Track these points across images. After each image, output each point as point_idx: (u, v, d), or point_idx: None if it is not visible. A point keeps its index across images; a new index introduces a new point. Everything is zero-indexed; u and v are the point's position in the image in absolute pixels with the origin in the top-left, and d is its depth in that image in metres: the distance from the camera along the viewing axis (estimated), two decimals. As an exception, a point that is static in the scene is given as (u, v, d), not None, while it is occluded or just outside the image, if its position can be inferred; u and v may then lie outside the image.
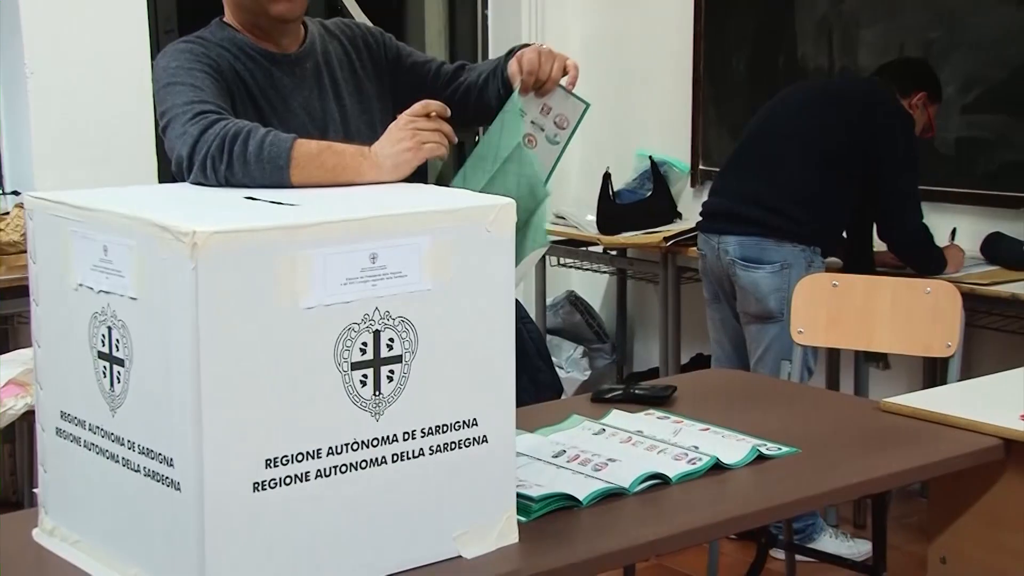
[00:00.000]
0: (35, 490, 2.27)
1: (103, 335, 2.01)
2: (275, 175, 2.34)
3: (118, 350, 1.98)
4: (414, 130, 2.22)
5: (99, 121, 4.75)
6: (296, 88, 2.80)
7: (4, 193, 4.66)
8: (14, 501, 4.74)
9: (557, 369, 4.17)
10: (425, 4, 6.00)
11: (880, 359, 4.80)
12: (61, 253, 2.09)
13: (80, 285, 2.04)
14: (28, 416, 3.83)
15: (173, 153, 2.51)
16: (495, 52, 5.82)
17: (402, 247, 1.99)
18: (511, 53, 2.75)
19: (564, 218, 5.71)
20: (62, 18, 4.69)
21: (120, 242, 1.96)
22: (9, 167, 4.84)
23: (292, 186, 2.33)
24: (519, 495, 2.22)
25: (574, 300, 5.97)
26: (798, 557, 3.98)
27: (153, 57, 4.81)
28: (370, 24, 3.02)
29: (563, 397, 3.39)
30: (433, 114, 2.25)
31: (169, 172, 4.64)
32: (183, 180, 2.48)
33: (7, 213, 4.44)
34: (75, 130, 4.70)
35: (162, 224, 1.86)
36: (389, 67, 2.93)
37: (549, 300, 5.93)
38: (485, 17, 5.96)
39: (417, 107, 2.25)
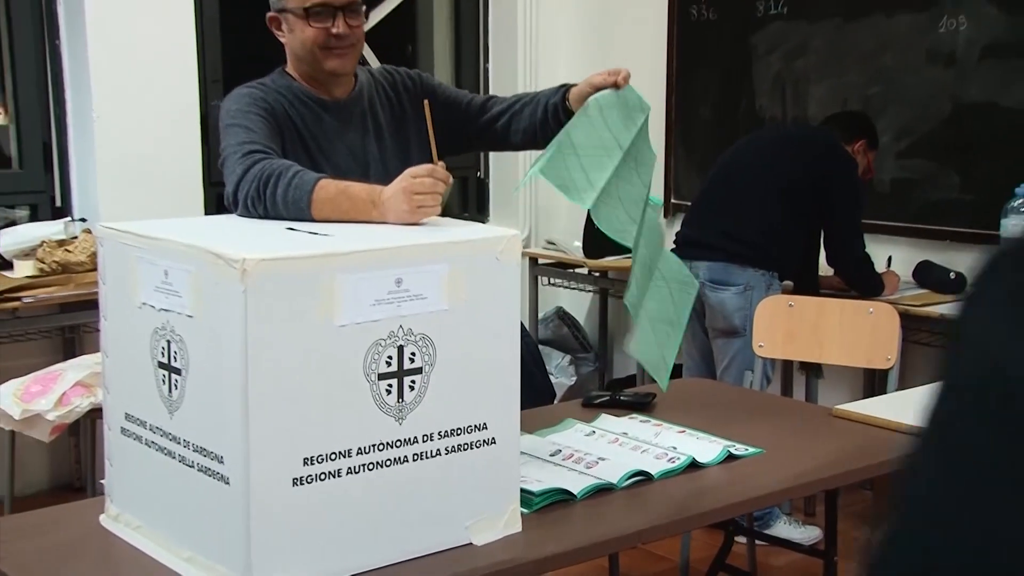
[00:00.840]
0: (101, 481, 2.26)
1: (163, 347, 2.00)
2: (298, 214, 2.34)
3: (176, 361, 1.97)
4: (412, 195, 2.21)
5: (154, 157, 4.74)
6: (343, 130, 2.78)
7: (73, 220, 4.64)
8: (78, 487, 4.71)
9: (548, 376, 4.16)
10: (435, 57, 6.01)
11: (816, 370, 4.82)
12: (127, 276, 2.08)
13: (144, 304, 2.03)
14: (91, 413, 3.82)
15: (226, 187, 2.51)
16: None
17: (423, 273, 1.98)
18: (561, 90, 2.81)
19: (554, 243, 5.72)
20: (124, 70, 4.67)
21: (179, 267, 1.95)
22: (78, 197, 4.83)
23: (314, 222, 2.33)
24: (522, 490, 2.21)
25: (562, 315, 5.96)
26: (758, 542, 3.98)
27: (201, 104, 4.87)
28: (409, 69, 3.00)
29: (555, 400, 3.38)
30: (429, 177, 2.23)
31: (214, 200, 4.70)
32: (233, 212, 2.48)
33: (76, 237, 4.43)
34: (133, 165, 4.69)
35: (216, 252, 1.86)
36: (439, 97, 2.91)
37: (540, 315, 5.92)
38: (487, 71, 5.96)
39: (421, 169, 2.23)
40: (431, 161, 2.56)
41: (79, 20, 4.70)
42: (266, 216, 2.40)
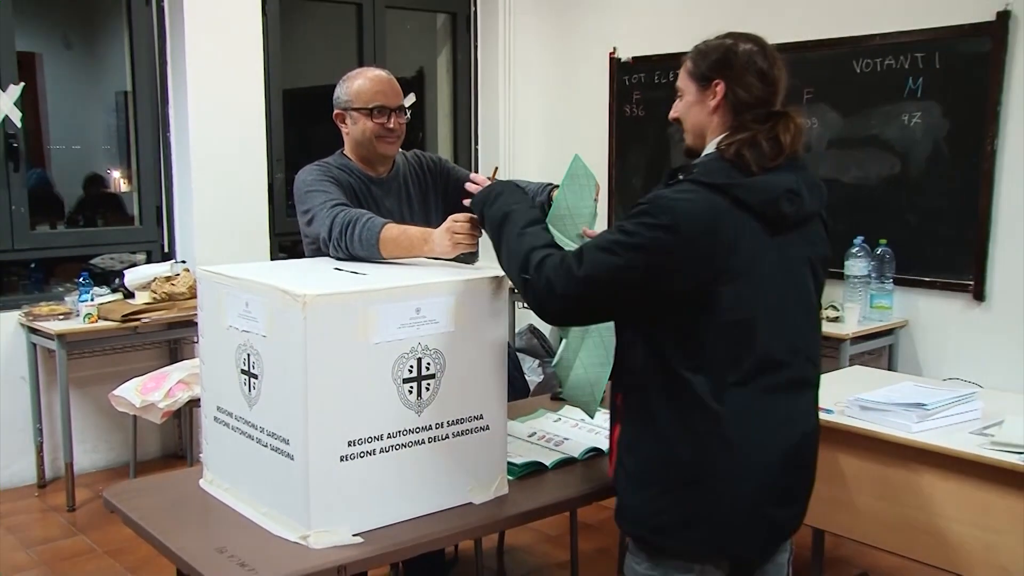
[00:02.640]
0: (200, 455, 2.22)
1: (244, 358, 1.96)
2: (371, 252, 2.31)
3: (254, 368, 1.94)
4: (453, 234, 2.18)
5: (234, 215, 4.72)
6: (384, 197, 2.75)
7: (176, 262, 4.61)
8: (181, 455, 4.66)
9: (524, 376, 4.13)
10: (438, 140, 5.99)
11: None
12: (218, 305, 2.04)
13: (230, 326, 2.00)
14: (190, 403, 3.79)
15: (319, 235, 2.46)
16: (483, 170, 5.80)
17: (436, 303, 1.96)
18: (546, 189, 2.68)
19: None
20: (214, 153, 4.65)
21: (257, 299, 1.92)
22: (180, 245, 4.80)
23: (383, 257, 2.30)
24: (508, 462, 2.18)
25: (533, 330, 5.91)
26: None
27: (268, 176, 4.84)
28: (432, 155, 2.98)
29: (529, 395, 3.35)
30: (467, 222, 2.20)
31: (276, 247, 4.65)
32: (326, 253, 2.44)
33: (178, 274, 4.39)
34: (219, 221, 4.66)
35: (284, 289, 1.84)
36: (443, 180, 2.88)
37: (517, 330, 5.87)
38: (476, 151, 5.93)
39: (461, 216, 2.21)
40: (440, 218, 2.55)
41: (184, 119, 4.67)
42: (349, 251, 2.35)
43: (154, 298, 4.30)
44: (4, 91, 4.33)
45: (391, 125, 2.68)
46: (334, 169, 2.69)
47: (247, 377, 1.96)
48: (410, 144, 5.32)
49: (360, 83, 2.69)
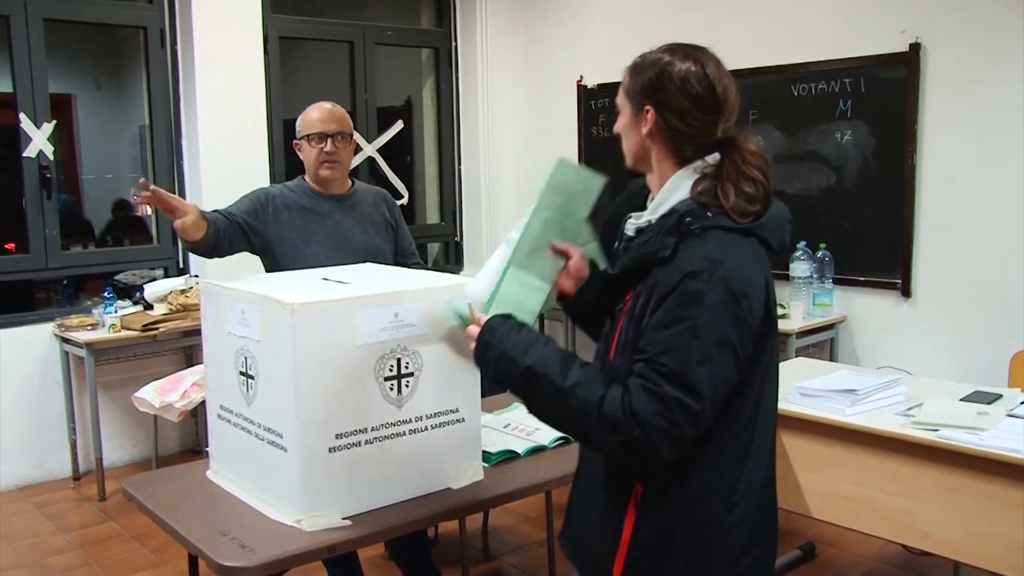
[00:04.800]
0: (207, 448, 2.20)
1: (242, 360, 1.95)
2: None
3: (251, 370, 1.92)
4: None
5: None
6: (335, 212, 2.76)
7: (190, 276, 4.58)
8: (198, 450, 4.63)
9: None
10: (425, 163, 5.98)
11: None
12: (220, 314, 2.03)
13: (230, 332, 1.98)
14: (202, 403, 3.74)
15: None
16: (468, 196, 5.81)
17: (413, 309, 1.94)
18: None
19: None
20: (222, 180, 4.60)
21: (252, 308, 1.90)
22: (192, 262, 4.76)
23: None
24: (483, 451, 2.16)
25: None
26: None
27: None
28: (392, 200, 2.98)
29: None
30: None
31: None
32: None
33: (192, 287, 4.37)
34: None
35: (275, 298, 1.82)
36: (392, 223, 2.91)
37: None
38: (460, 171, 5.92)
39: None
40: (389, 247, 2.79)
41: (195, 148, 4.65)
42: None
43: (171, 309, 4.28)
44: (39, 128, 4.31)
45: (328, 148, 2.71)
46: (285, 190, 2.78)
47: (245, 378, 1.95)
48: (399, 168, 5.30)
49: (306, 114, 2.76)
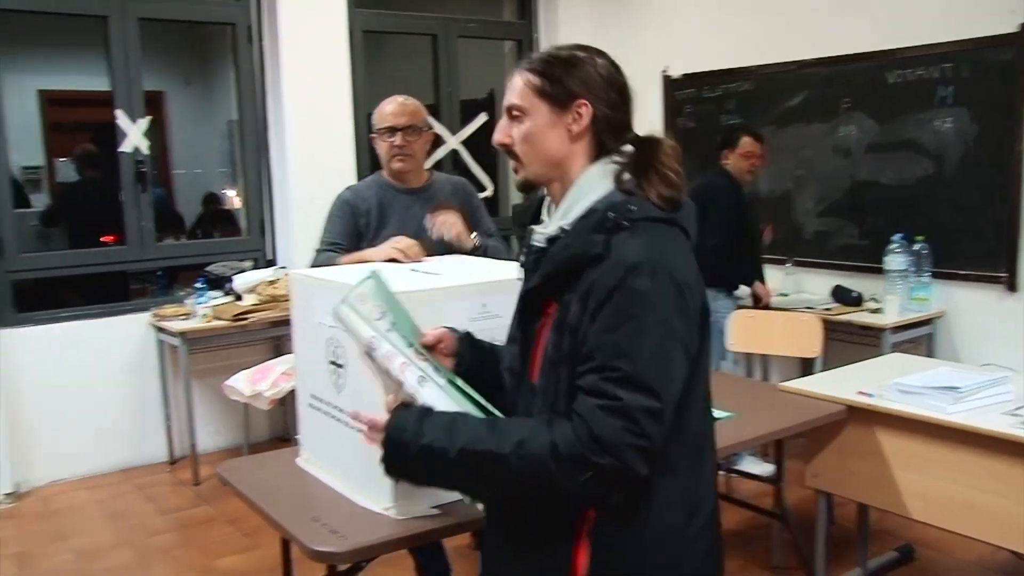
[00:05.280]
0: (297, 436, 2.24)
1: (332, 350, 1.97)
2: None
3: (340, 359, 1.95)
4: (393, 248, 2.41)
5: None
6: (412, 205, 2.76)
7: (278, 267, 4.69)
8: (286, 438, 4.74)
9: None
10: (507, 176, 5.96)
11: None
12: (309, 303, 2.06)
13: (319, 322, 2.00)
14: (292, 392, 3.82)
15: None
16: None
17: (501, 300, 1.92)
18: None
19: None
20: (309, 176, 4.70)
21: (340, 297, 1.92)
22: (281, 253, 4.88)
23: None
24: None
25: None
26: (731, 473, 3.89)
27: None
28: (469, 186, 2.98)
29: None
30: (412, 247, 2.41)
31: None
32: None
33: (280, 279, 4.46)
34: (314, 229, 4.72)
35: (365, 288, 1.83)
36: (471, 209, 2.87)
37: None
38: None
39: (408, 243, 2.42)
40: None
41: (283, 142, 4.75)
42: None
43: (260, 299, 4.38)
44: (134, 124, 4.47)
45: (398, 142, 2.72)
46: (363, 190, 2.81)
47: (334, 367, 1.97)
48: (486, 157, 5.31)
49: (379, 109, 2.78)
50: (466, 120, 5.46)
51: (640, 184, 1.34)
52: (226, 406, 4.60)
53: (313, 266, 2.55)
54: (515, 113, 1.40)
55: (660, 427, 1.24)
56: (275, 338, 4.63)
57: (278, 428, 4.87)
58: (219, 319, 4.24)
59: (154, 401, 4.52)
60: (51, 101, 7.19)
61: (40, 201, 6.73)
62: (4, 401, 4.11)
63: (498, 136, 1.43)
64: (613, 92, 1.39)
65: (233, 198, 6.86)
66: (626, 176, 1.36)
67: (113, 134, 4.45)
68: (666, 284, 1.25)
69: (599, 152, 1.38)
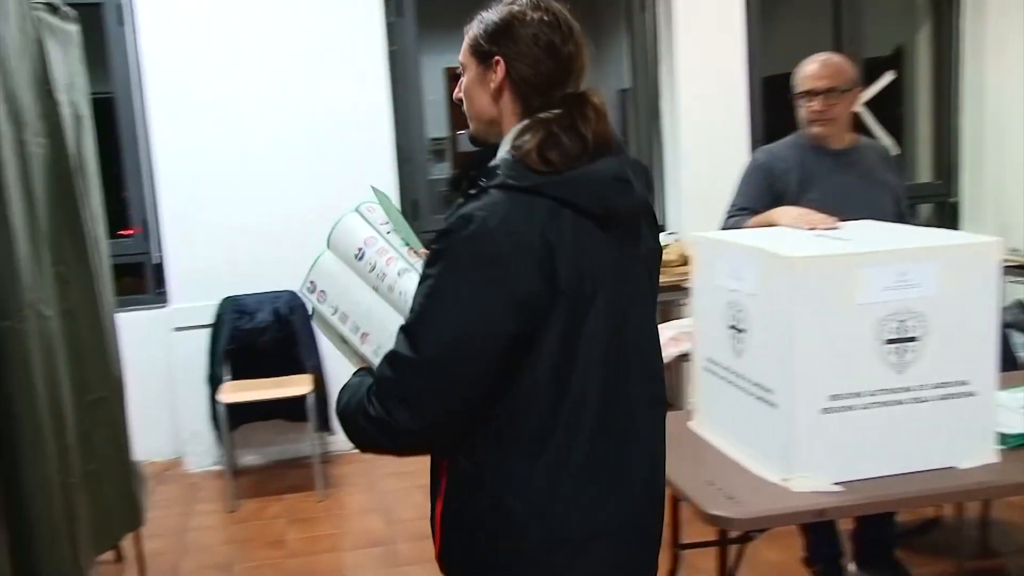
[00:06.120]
0: (690, 401, 2.28)
1: (733, 314, 1.97)
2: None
3: (741, 324, 1.94)
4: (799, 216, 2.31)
5: (720, 189, 4.75)
6: (833, 170, 2.66)
7: (669, 233, 4.77)
8: (668, 404, 4.81)
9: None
10: (918, 114, 5.49)
11: None
12: (711, 266, 2.07)
13: (719, 286, 2.01)
14: (678, 358, 3.89)
15: None
16: (969, 152, 5.22)
17: (922, 268, 1.80)
18: None
19: (1017, 250, 5.01)
20: (699, 138, 4.73)
21: (747, 262, 1.91)
22: (671, 217, 4.96)
23: None
24: (1000, 432, 1.94)
25: (1020, 305, 5.22)
26: None
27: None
28: (889, 153, 2.88)
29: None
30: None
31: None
32: None
33: (669, 244, 4.54)
34: (705, 195, 4.70)
35: (773, 252, 1.82)
36: (895, 183, 2.74)
37: (1004, 303, 5.21)
38: (959, 126, 5.33)
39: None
40: (892, 207, 2.64)
41: (676, 110, 4.79)
42: None
43: (648, 266, 4.49)
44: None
45: (816, 107, 2.62)
46: (781, 151, 2.73)
47: (734, 331, 1.97)
48: (888, 118, 4.96)
49: (799, 70, 2.68)
50: (868, 80, 5.11)
51: (543, 154, 1.29)
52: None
53: (723, 230, 2.57)
54: (459, 70, 1.45)
55: (419, 381, 1.26)
56: (663, 303, 4.72)
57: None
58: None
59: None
60: (454, 77, 7.97)
61: (442, 171, 7.48)
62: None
63: (455, 92, 1.46)
64: (537, 49, 1.34)
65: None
66: (525, 137, 1.31)
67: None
68: (462, 252, 1.26)
69: (528, 111, 1.35)
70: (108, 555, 3.10)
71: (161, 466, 4.37)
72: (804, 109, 2.66)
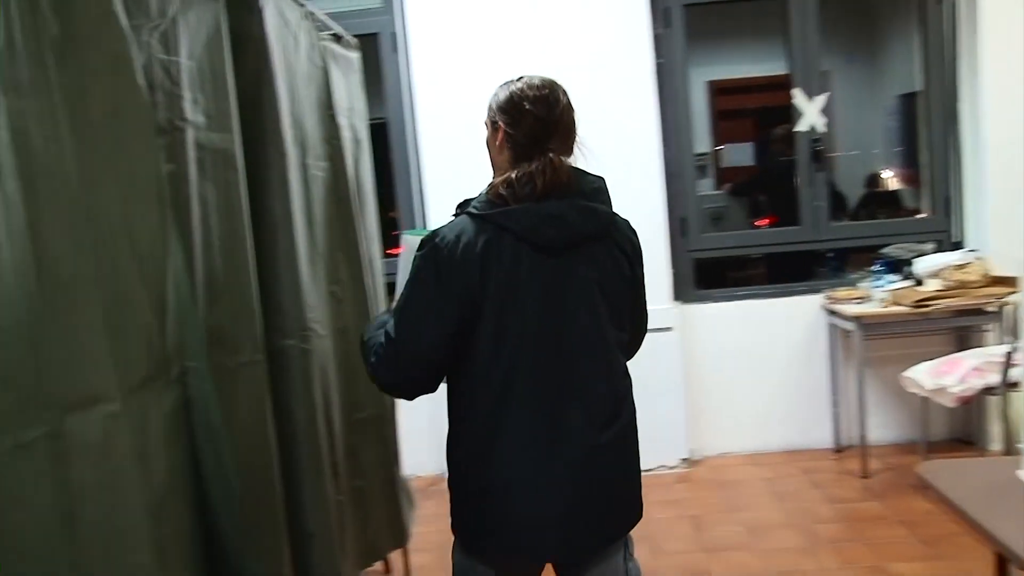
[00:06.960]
0: (1020, 444, 1.95)
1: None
2: None
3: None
4: None
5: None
6: None
7: (968, 251, 4.26)
8: (967, 440, 4.30)
9: None
10: None
11: None
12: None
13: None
14: (983, 391, 3.45)
15: None
16: None
17: None
18: None
19: None
20: (1007, 144, 4.16)
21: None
22: (971, 234, 4.43)
23: None
24: None
25: None
26: None
27: None
28: None
29: None
30: None
31: None
32: None
33: (969, 263, 4.05)
34: (1013, 210, 4.16)
35: None
36: None
37: None
38: None
39: None
40: None
41: (978, 118, 4.28)
42: None
43: (945, 286, 4.03)
44: (811, 102, 4.48)
45: None
46: None
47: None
48: None
49: None
50: None
51: (500, 192, 1.72)
52: (900, 398, 4.35)
53: None
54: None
55: (394, 353, 1.73)
56: (960, 328, 4.23)
57: (958, 428, 4.45)
58: (898, 304, 4.01)
59: (822, 385, 4.49)
60: (719, 91, 7.70)
61: (706, 186, 7.23)
62: (685, 373, 4.47)
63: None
64: (505, 115, 1.78)
65: (891, 179, 6.56)
66: (496, 180, 1.74)
67: (771, 119, 4.51)
68: (428, 260, 1.71)
69: (515, 163, 1.76)
70: (376, 566, 3.18)
71: (427, 481, 4.49)
72: None
